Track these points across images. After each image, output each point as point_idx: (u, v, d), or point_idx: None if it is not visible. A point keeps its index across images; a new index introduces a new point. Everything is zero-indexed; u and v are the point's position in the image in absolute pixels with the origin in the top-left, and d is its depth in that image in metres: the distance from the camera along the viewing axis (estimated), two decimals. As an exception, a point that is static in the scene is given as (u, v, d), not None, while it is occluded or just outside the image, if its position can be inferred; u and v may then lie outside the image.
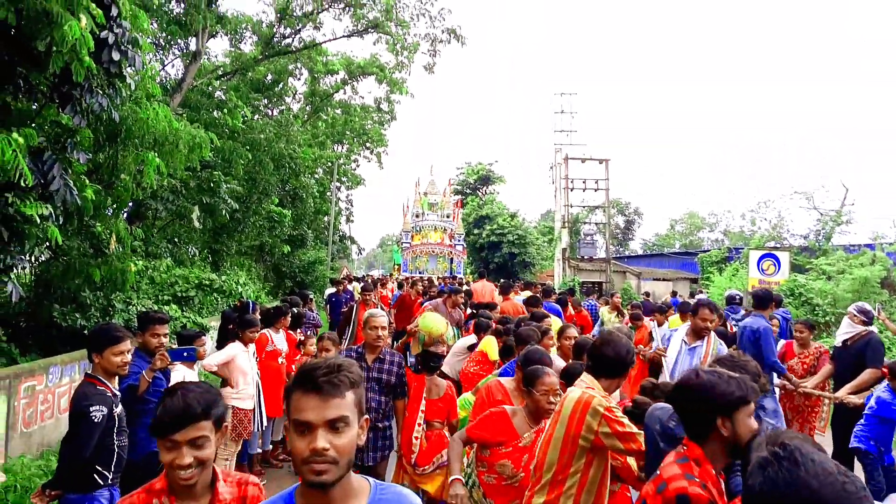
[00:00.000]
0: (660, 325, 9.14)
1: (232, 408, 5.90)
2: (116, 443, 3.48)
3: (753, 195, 55.03)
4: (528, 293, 10.88)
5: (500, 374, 4.95)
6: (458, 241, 34.85)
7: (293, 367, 6.97)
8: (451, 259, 33.94)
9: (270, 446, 7.13)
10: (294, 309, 7.98)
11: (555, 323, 7.25)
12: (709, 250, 30.68)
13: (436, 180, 37.29)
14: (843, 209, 26.07)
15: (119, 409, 3.52)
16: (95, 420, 3.31)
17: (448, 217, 35.01)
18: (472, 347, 6.41)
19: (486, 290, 13.73)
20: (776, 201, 33.17)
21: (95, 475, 3.40)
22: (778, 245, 25.44)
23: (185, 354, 4.45)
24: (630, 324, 9.39)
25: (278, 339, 6.99)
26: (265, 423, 6.40)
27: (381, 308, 12.50)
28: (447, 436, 4.64)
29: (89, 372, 3.57)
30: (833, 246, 23.00)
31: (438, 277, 24.64)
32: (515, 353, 5.04)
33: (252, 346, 6.28)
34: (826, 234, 25.60)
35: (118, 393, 3.56)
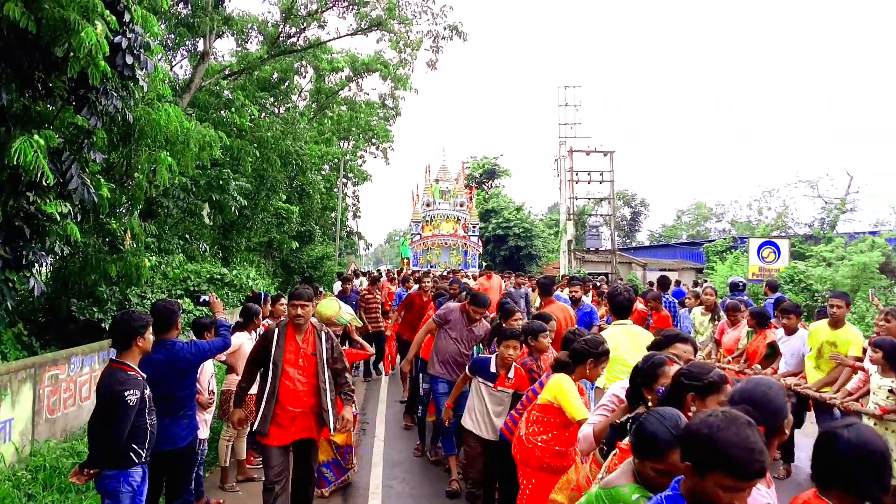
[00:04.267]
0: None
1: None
2: (148, 422, 3.77)
3: (759, 184, 54.98)
4: (574, 289, 8.90)
5: None
6: (473, 231, 31.95)
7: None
8: (466, 251, 31.11)
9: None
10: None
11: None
12: (714, 240, 30.82)
13: (448, 165, 34.12)
14: (847, 197, 26.19)
15: (148, 391, 3.77)
16: (131, 403, 3.55)
17: (462, 206, 32.01)
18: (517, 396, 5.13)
19: (493, 288, 12.49)
20: (781, 190, 33.29)
21: (132, 454, 3.65)
22: (783, 234, 25.58)
23: (202, 300, 5.57)
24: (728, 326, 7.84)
25: None
26: None
27: (380, 307, 11.64)
28: None
29: (115, 358, 3.80)
30: (837, 234, 23.15)
31: (447, 272, 23.09)
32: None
33: (255, 334, 6.61)
34: (831, 222, 25.74)
35: (144, 376, 3.82)
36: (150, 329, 3.87)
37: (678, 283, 20.63)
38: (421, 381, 7.49)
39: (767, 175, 65.66)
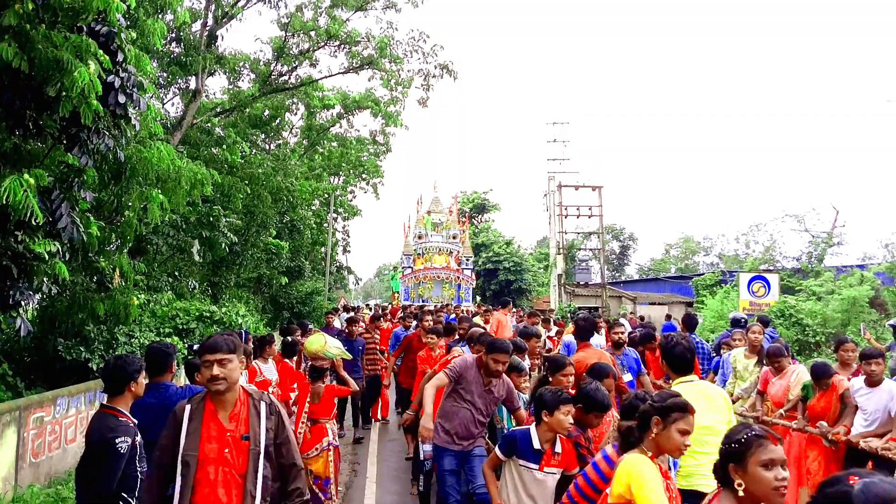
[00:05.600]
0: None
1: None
2: (139, 469, 3.66)
3: (746, 218, 55.52)
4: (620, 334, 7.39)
5: None
6: (466, 264, 30.97)
7: (290, 395, 7.11)
8: (459, 285, 30.19)
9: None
10: (288, 337, 8.04)
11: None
12: (703, 274, 30.96)
13: (440, 197, 33.46)
14: (833, 231, 26.46)
15: (139, 438, 3.65)
16: (122, 451, 3.43)
17: (454, 238, 31.14)
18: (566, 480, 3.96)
19: (508, 326, 11.23)
20: (768, 224, 33.58)
21: (121, 502, 3.56)
22: (771, 268, 25.73)
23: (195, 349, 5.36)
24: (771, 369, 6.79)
25: (267, 370, 6.99)
26: None
27: (378, 348, 10.28)
28: (327, 429, 6.06)
29: (106, 403, 3.70)
30: (825, 267, 23.31)
31: (441, 306, 21.98)
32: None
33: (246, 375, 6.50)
34: (818, 256, 25.94)
35: (136, 422, 3.71)
36: (144, 373, 3.79)
37: (668, 317, 20.66)
38: (421, 445, 6.04)
39: (754, 209, 66.47)
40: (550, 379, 4.92)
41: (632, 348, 7.42)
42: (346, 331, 10.06)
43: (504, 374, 5.09)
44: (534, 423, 4.08)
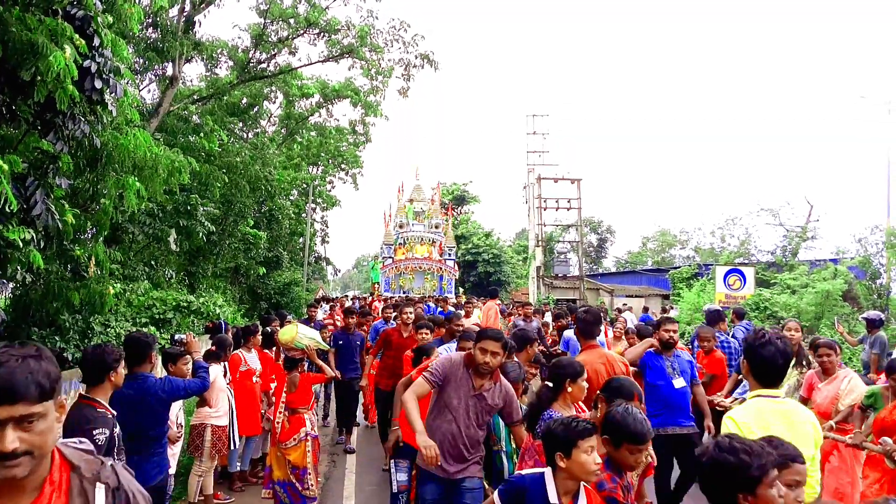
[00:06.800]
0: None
1: (211, 426, 6.10)
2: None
3: (722, 212, 56.22)
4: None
5: None
6: (449, 255, 30.01)
7: (270, 385, 7.12)
8: (441, 276, 29.23)
9: (249, 465, 7.26)
10: (267, 328, 8.04)
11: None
12: (680, 267, 31.29)
13: (422, 185, 32.64)
14: (808, 225, 26.86)
15: (118, 429, 3.60)
16: (99, 443, 3.38)
17: (437, 228, 30.16)
18: None
19: (489, 315, 11.66)
20: (743, 218, 33.97)
21: None
22: (746, 261, 26.07)
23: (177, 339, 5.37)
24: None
25: (251, 359, 7.11)
26: (237, 442, 6.55)
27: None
28: (305, 419, 6.00)
29: (84, 394, 3.64)
30: (799, 261, 23.69)
31: (426, 297, 21.17)
32: None
33: (225, 365, 6.51)
34: (792, 250, 26.33)
35: (115, 413, 3.66)
36: (123, 363, 3.74)
37: (646, 309, 20.87)
38: (394, 470, 4.91)
39: (730, 203, 67.29)
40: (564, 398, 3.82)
41: (684, 350, 6.32)
42: (344, 323, 9.28)
43: (501, 376, 4.20)
44: (548, 468, 2.91)
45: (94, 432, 3.40)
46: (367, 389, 8.62)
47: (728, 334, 8.72)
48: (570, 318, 11.06)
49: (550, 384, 3.86)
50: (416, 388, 4.12)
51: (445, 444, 3.96)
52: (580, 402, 3.93)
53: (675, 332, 5.80)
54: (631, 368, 5.12)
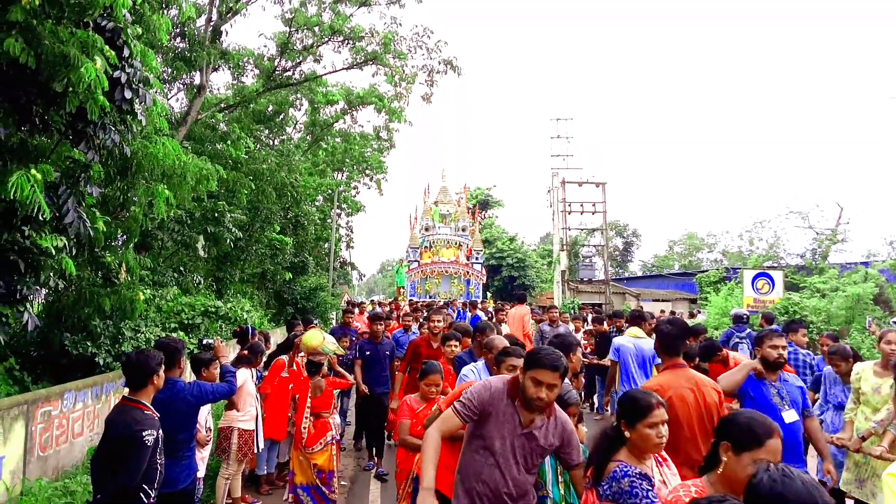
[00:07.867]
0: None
1: (238, 429, 6.18)
2: (159, 462, 3.69)
3: (750, 215, 55.48)
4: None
5: None
6: (477, 258, 28.74)
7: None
8: (469, 280, 27.97)
9: (276, 469, 7.33)
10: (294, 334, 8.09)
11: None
12: (707, 270, 30.91)
13: (448, 187, 31.41)
14: (838, 228, 26.39)
15: (160, 431, 3.71)
16: (148, 444, 3.49)
17: (464, 230, 29.09)
18: None
19: (516, 319, 10.86)
20: (772, 220, 33.52)
21: (142, 494, 3.55)
22: (775, 265, 25.69)
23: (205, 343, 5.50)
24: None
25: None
26: (262, 445, 6.61)
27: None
28: (330, 423, 6.12)
29: (129, 396, 3.72)
30: (829, 264, 23.27)
31: (448, 301, 19.95)
32: None
33: (254, 371, 6.59)
34: (822, 253, 25.89)
35: (159, 415, 3.77)
36: (163, 367, 3.85)
37: (673, 313, 20.64)
38: None
39: (758, 206, 66.31)
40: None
41: (791, 373, 4.75)
42: (370, 331, 8.36)
43: (556, 407, 3.26)
44: None
45: (144, 434, 3.50)
46: (393, 411, 7.20)
47: (804, 347, 7.42)
48: (610, 322, 10.77)
49: (615, 423, 2.94)
50: (442, 423, 3.24)
51: (485, 494, 3.13)
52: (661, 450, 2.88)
53: (783, 348, 4.34)
54: (724, 397, 3.91)
